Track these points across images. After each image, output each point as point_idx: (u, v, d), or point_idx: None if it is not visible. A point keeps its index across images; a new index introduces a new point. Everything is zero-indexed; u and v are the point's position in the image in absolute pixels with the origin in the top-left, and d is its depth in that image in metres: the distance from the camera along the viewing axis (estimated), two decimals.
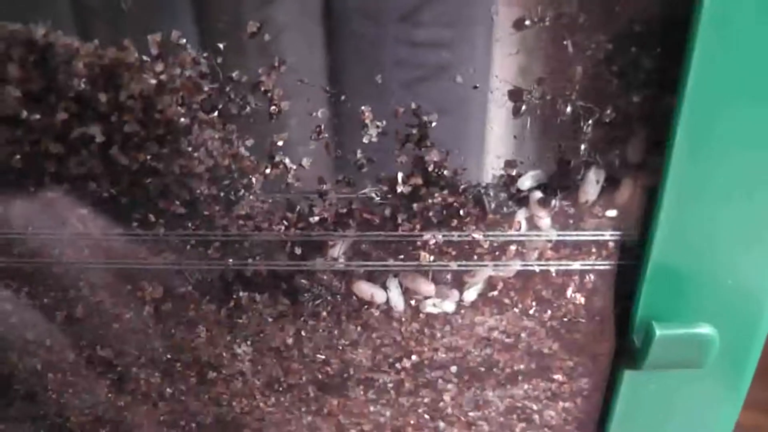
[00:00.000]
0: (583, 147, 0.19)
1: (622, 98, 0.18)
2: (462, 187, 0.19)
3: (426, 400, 0.23)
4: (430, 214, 0.19)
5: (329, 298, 0.21)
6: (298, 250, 0.20)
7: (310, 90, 0.20)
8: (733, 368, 0.21)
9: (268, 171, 0.20)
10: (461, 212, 0.19)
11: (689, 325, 0.20)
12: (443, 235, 0.20)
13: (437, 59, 0.19)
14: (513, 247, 0.20)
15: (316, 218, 0.20)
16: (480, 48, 0.19)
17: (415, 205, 0.19)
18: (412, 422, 0.23)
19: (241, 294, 0.21)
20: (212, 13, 0.19)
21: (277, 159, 0.20)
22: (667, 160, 0.18)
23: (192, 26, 0.19)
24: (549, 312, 0.21)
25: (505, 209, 0.20)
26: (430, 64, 0.20)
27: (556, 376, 0.22)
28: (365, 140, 0.20)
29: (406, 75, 0.20)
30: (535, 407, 0.23)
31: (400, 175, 0.20)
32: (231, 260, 0.21)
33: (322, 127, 0.20)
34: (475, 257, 0.20)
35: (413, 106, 0.19)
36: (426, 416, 0.23)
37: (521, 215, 0.20)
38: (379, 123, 0.19)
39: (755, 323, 0.21)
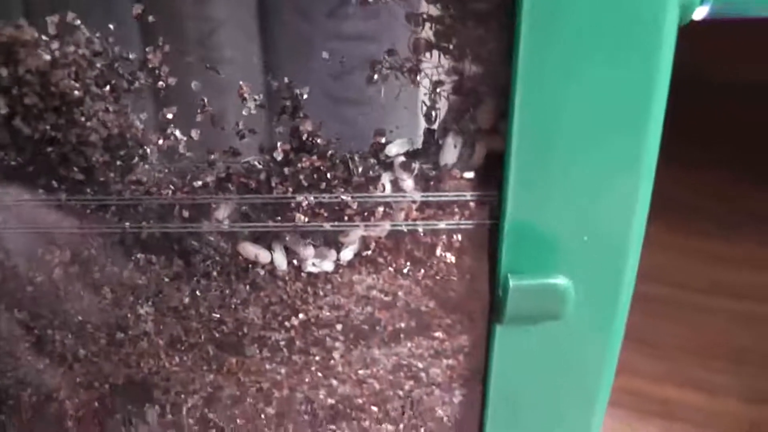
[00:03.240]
0: (440, 115, 0.21)
1: (467, 70, 0.20)
2: (330, 153, 0.21)
3: (317, 358, 0.24)
4: (301, 177, 0.21)
5: (218, 258, 0.23)
6: (186, 213, 0.22)
7: (195, 65, 0.21)
8: (600, 322, 0.23)
9: (160, 142, 0.22)
10: (329, 175, 0.21)
11: (543, 276, 0.21)
12: (314, 197, 0.21)
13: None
14: (381, 209, 0.22)
15: (199, 183, 0.22)
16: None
17: (286, 169, 0.21)
18: (307, 380, 0.25)
19: (139, 256, 0.23)
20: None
21: (168, 131, 0.22)
22: (510, 127, 0.20)
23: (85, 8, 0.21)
24: (422, 271, 0.23)
25: (371, 173, 0.21)
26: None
27: (436, 334, 0.24)
28: (245, 113, 0.22)
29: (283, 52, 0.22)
30: (420, 365, 0.24)
31: (279, 144, 0.21)
32: (128, 224, 0.22)
33: (206, 101, 0.21)
34: (346, 218, 0.22)
35: (286, 80, 0.21)
36: (319, 374, 0.25)
37: (386, 178, 0.21)
38: (256, 96, 0.21)
39: (617, 277, 0.22)
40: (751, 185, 0.47)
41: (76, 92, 0.21)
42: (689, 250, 0.43)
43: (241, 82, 0.21)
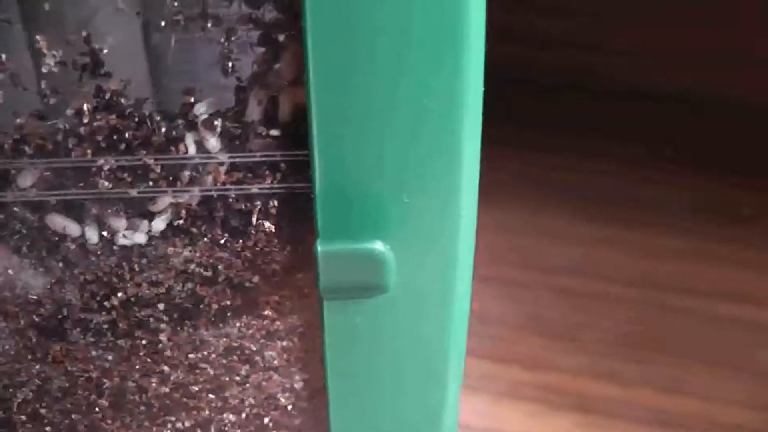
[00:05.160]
0: (244, 68, 0.20)
1: (265, 17, 0.19)
2: (129, 111, 0.20)
3: (144, 342, 0.23)
4: (99, 138, 0.20)
5: (26, 232, 0.21)
6: None
7: None
8: (435, 296, 0.21)
9: None
10: (128, 135, 0.20)
11: (356, 241, 0.20)
12: (115, 160, 0.20)
13: None
14: (187, 173, 0.20)
15: None
16: None
17: (81, 129, 0.20)
18: (137, 367, 0.23)
19: None
20: None
21: None
22: (306, 74, 0.18)
23: None
24: (241, 241, 0.21)
25: (174, 133, 0.20)
26: None
27: (266, 312, 0.22)
28: (45, 70, 0.20)
29: None
30: (253, 347, 0.23)
31: (75, 103, 0.20)
32: None
33: (3, 57, 0.20)
34: (151, 183, 0.20)
35: (84, 34, 0.20)
36: (148, 360, 0.23)
37: (190, 139, 0.20)
38: (55, 52, 0.20)
39: (448, 244, 0.20)
40: (699, 178, 0.45)
41: None
42: (623, 242, 0.41)
43: (37, 36, 0.20)
